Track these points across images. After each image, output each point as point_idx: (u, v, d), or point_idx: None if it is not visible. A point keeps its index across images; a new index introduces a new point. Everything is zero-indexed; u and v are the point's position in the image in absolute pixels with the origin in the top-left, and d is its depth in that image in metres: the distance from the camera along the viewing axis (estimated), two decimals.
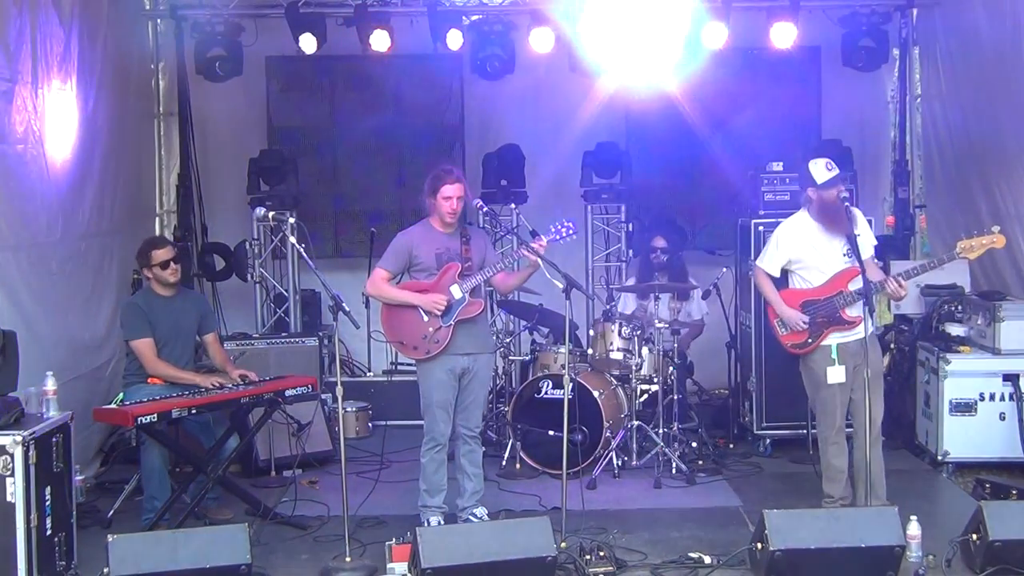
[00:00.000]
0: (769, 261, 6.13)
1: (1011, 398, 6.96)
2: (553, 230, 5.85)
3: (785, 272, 6.10)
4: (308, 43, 8.67)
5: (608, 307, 7.82)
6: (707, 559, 5.48)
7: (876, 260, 6.24)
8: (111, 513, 6.37)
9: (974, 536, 5.22)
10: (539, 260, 5.74)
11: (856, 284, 5.79)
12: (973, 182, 8.17)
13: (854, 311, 5.81)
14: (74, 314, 7.03)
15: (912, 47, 9.48)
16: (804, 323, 5.93)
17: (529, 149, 9.33)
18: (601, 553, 5.39)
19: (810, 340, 5.96)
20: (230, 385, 6.26)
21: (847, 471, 6.04)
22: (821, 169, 5.92)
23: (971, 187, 8.20)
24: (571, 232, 5.87)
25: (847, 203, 5.79)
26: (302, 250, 6.08)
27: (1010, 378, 6.97)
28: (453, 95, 9.69)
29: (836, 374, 5.93)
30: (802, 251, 6.02)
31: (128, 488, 6.58)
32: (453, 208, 5.89)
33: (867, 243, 5.99)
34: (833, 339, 5.91)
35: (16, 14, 6.24)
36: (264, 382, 6.42)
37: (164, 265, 6.34)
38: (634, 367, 7.33)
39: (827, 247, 5.93)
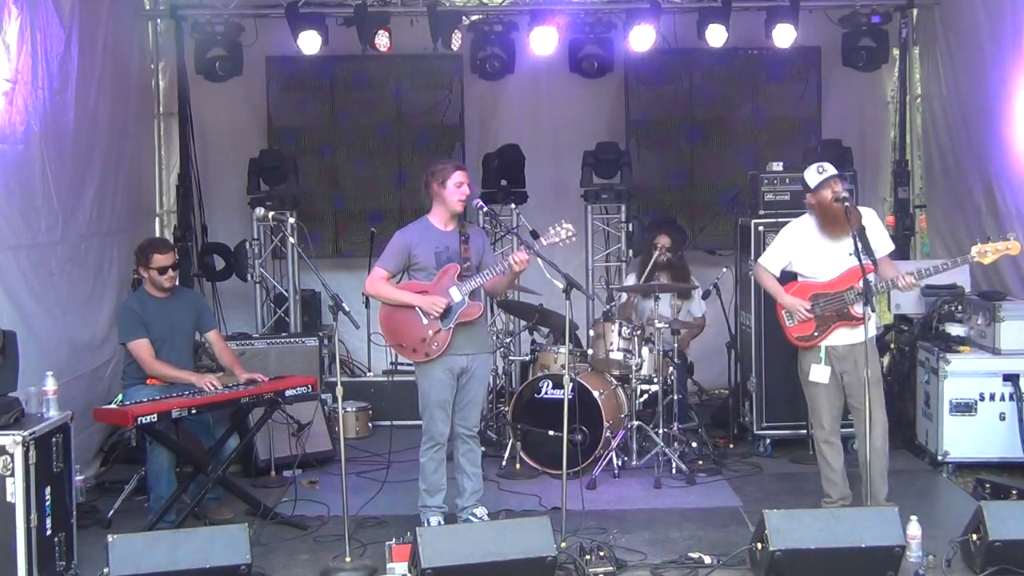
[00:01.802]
0: (769, 258, 6.14)
1: (1011, 398, 6.95)
2: (552, 232, 5.83)
3: (791, 272, 6.10)
4: (308, 43, 8.67)
5: (608, 307, 7.82)
6: (707, 559, 5.47)
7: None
8: (111, 513, 6.36)
9: (974, 536, 5.22)
10: (539, 259, 5.73)
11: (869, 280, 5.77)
12: (973, 182, 8.17)
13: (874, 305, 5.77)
14: (74, 314, 7.02)
15: (912, 47, 9.50)
16: (806, 309, 5.92)
17: (529, 149, 9.34)
18: (601, 553, 5.38)
19: (816, 333, 5.94)
20: (229, 385, 6.26)
21: (844, 471, 6.04)
22: (812, 173, 5.92)
23: (971, 187, 8.20)
24: (570, 234, 5.86)
25: (847, 203, 5.77)
26: (301, 250, 6.08)
27: (1010, 378, 6.95)
28: (453, 95, 9.70)
29: (819, 373, 5.93)
30: (802, 253, 6.02)
31: (128, 488, 6.57)
32: (465, 195, 5.89)
33: (882, 243, 5.96)
34: (831, 338, 5.90)
35: (16, 14, 6.24)
36: (265, 382, 6.42)
37: (162, 271, 6.34)
38: (634, 367, 7.33)
39: (830, 249, 5.90)
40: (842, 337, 5.88)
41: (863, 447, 5.80)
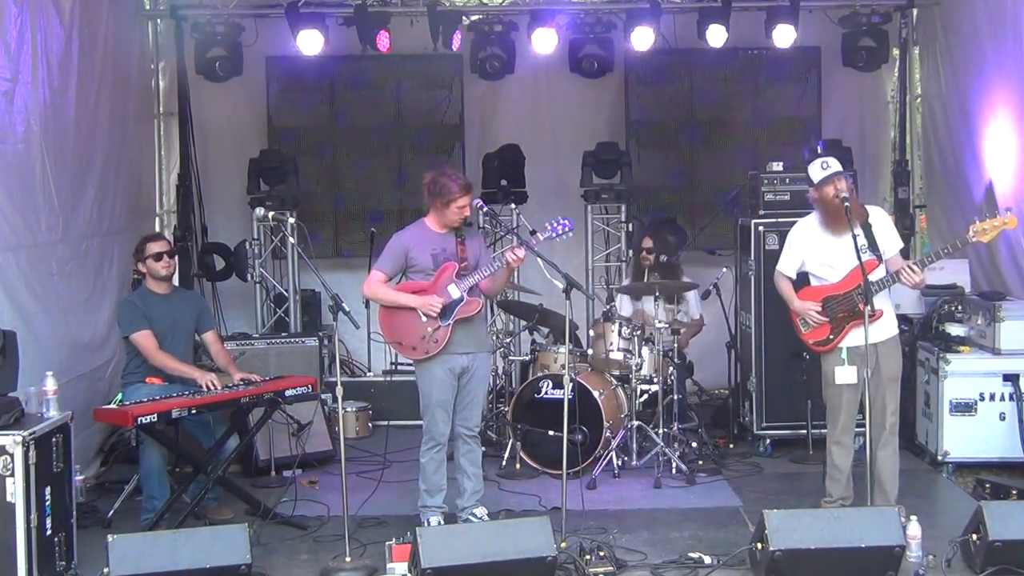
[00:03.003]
0: (784, 263, 6.13)
1: (1011, 398, 6.95)
2: (549, 227, 5.84)
3: (805, 274, 6.10)
4: (308, 43, 8.65)
5: (608, 307, 7.82)
6: (707, 559, 5.47)
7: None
8: (111, 513, 6.37)
9: (974, 536, 5.22)
10: (539, 259, 5.74)
11: (874, 276, 5.74)
12: (973, 182, 8.17)
13: (874, 303, 5.74)
14: (74, 314, 7.02)
15: (912, 47, 9.50)
16: (817, 312, 5.90)
17: (529, 149, 9.35)
18: (601, 553, 5.38)
19: (831, 336, 5.93)
20: (229, 385, 6.26)
21: (850, 472, 6.04)
22: (816, 169, 5.92)
23: (971, 187, 8.20)
24: (567, 228, 5.86)
25: (847, 203, 5.76)
26: (301, 250, 6.08)
27: (1010, 378, 6.95)
28: (453, 95, 9.70)
29: (844, 374, 5.89)
30: (811, 250, 6.01)
31: (128, 488, 6.58)
32: (465, 215, 5.91)
33: (891, 241, 5.93)
34: (848, 339, 5.88)
35: (16, 14, 6.24)
36: (264, 382, 6.42)
37: (157, 257, 6.34)
38: (634, 367, 7.33)
39: (836, 245, 5.89)
40: (862, 337, 5.80)
41: (874, 444, 5.79)
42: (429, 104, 9.74)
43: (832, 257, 5.92)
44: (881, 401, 5.78)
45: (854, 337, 5.86)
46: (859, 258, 5.67)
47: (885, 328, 5.86)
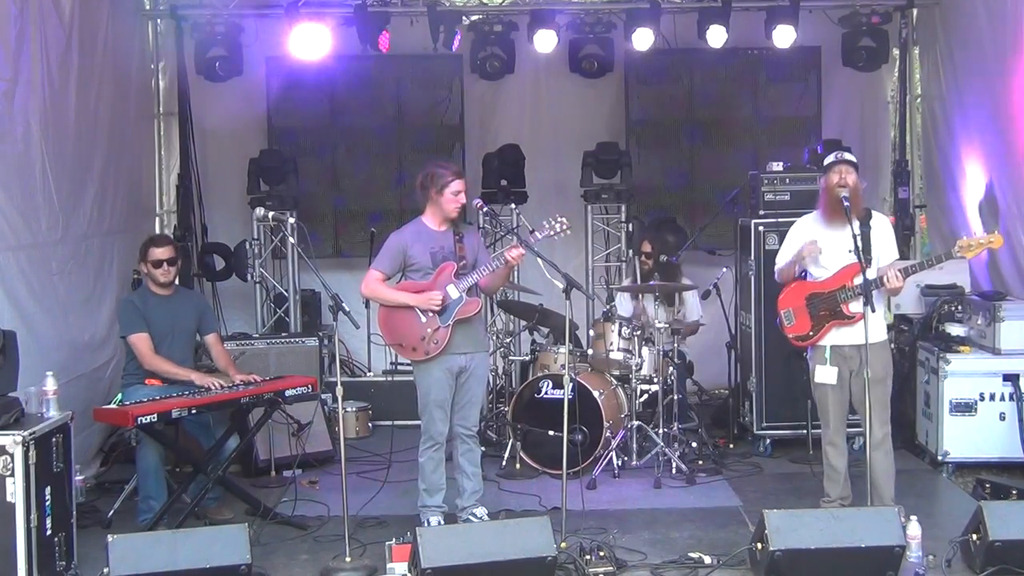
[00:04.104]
0: (780, 257, 6.15)
1: (1011, 398, 6.95)
2: (547, 226, 5.85)
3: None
4: (308, 43, 8.59)
5: (608, 307, 7.82)
6: (707, 559, 5.48)
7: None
8: (111, 513, 6.37)
9: (974, 536, 5.22)
10: (539, 260, 5.74)
11: (858, 279, 5.75)
12: (973, 182, 8.17)
13: (856, 306, 5.77)
14: (74, 314, 7.03)
15: (912, 47, 9.50)
16: (814, 245, 5.87)
17: (529, 149, 9.34)
18: (601, 553, 5.39)
19: (811, 333, 5.94)
20: (229, 385, 6.26)
21: (847, 472, 6.04)
22: (829, 157, 5.97)
23: (971, 187, 8.20)
24: (565, 227, 5.86)
25: (846, 201, 5.76)
26: (301, 250, 6.07)
27: (1010, 378, 6.95)
28: (453, 95, 9.70)
29: (824, 374, 5.91)
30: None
31: (128, 488, 6.58)
32: (461, 203, 5.90)
33: (886, 251, 5.93)
34: (831, 338, 5.89)
35: (16, 14, 6.24)
36: (264, 382, 6.42)
37: (157, 264, 6.35)
38: (634, 367, 7.33)
39: (831, 242, 5.89)
40: (846, 337, 5.84)
41: (867, 448, 5.79)
42: (429, 104, 9.74)
43: (824, 255, 5.92)
44: (869, 403, 5.78)
45: (837, 336, 5.88)
46: (859, 257, 5.68)
47: (873, 332, 5.79)
